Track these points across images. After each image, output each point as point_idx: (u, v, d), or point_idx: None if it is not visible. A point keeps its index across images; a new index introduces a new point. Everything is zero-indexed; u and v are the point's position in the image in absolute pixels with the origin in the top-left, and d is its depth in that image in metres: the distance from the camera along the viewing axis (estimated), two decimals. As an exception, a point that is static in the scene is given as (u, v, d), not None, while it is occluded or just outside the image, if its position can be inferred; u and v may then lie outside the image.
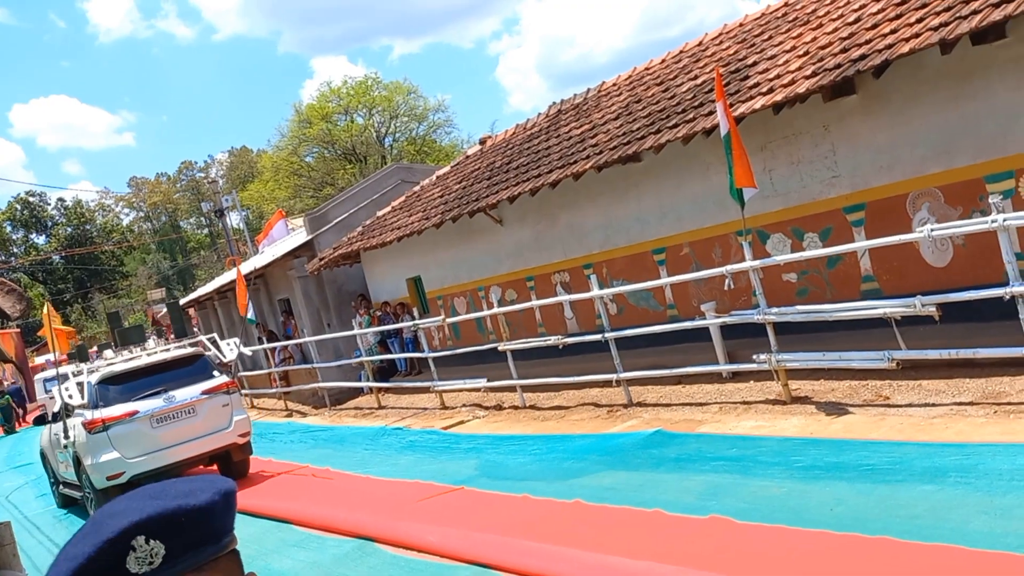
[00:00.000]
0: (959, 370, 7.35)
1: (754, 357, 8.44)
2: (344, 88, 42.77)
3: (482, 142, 16.98)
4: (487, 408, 12.17)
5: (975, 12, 6.90)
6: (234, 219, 41.98)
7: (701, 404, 9.01)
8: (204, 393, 10.41)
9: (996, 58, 7.48)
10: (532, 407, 11.35)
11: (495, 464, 8.76)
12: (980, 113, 7.75)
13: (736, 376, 9.38)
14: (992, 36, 7.18)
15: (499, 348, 11.73)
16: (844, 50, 8.15)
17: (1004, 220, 6.37)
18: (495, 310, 12.32)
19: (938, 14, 7.38)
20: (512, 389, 11.92)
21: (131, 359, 11.17)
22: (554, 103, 14.84)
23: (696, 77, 10.71)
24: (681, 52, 12.38)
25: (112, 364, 11.01)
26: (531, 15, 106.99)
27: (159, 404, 10.16)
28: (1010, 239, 6.49)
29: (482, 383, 12.22)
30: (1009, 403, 6.47)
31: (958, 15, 7.06)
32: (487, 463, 8.87)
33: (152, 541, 1.08)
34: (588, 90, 14.03)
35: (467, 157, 16.89)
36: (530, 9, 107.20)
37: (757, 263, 8.31)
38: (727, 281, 8.70)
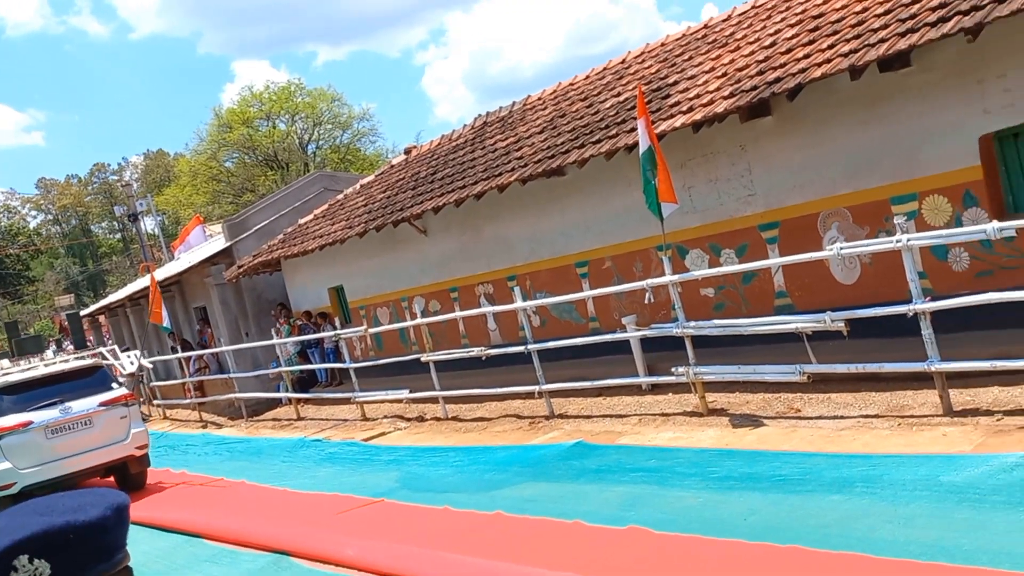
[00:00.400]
0: (866, 384, 7.65)
1: (673, 370, 8.60)
2: (266, 93, 41.98)
3: (407, 152, 16.90)
4: (409, 419, 12.08)
5: (882, 40, 7.24)
6: (149, 224, 40.71)
7: (621, 416, 9.13)
8: (102, 405, 10.33)
9: (901, 85, 7.84)
10: (454, 418, 11.31)
11: (416, 476, 8.69)
12: (887, 138, 8.11)
13: (655, 388, 9.55)
14: (898, 64, 7.53)
15: (422, 359, 11.66)
16: (760, 72, 8.42)
17: (908, 240, 6.67)
18: (418, 321, 12.25)
19: (848, 41, 7.70)
20: (435, 400, 11.86)
21: (27, 369, 10.93)
22: (480, 115, 14.88)
23: (619, 94, 10.90)
24: (605, 69, 12.59)
25: (7, 374, 10.74)
26: (458, 27, 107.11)
27: (54, 415, 10.00)
28: (913, 259, 6.80)
29: (404, 394, 12.12)
30: (912, 416, 6.75)
31: (867, 43, 7.39)
32: (408, 475, 8.79)
33: (37, 560, 1.02)
34: (514, 103, 14.12)
35: (392, 167, 16.78)
36: (457, 21, 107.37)
37: (676, 278, 8.49)
38: (647, 295, 8.85)
